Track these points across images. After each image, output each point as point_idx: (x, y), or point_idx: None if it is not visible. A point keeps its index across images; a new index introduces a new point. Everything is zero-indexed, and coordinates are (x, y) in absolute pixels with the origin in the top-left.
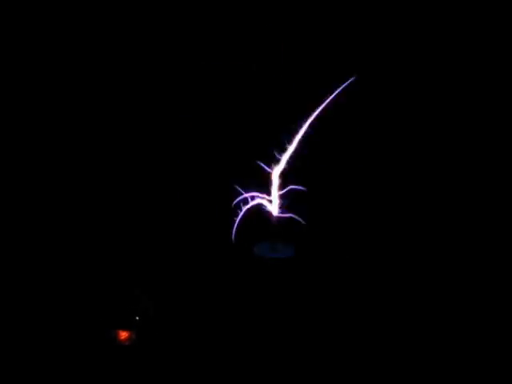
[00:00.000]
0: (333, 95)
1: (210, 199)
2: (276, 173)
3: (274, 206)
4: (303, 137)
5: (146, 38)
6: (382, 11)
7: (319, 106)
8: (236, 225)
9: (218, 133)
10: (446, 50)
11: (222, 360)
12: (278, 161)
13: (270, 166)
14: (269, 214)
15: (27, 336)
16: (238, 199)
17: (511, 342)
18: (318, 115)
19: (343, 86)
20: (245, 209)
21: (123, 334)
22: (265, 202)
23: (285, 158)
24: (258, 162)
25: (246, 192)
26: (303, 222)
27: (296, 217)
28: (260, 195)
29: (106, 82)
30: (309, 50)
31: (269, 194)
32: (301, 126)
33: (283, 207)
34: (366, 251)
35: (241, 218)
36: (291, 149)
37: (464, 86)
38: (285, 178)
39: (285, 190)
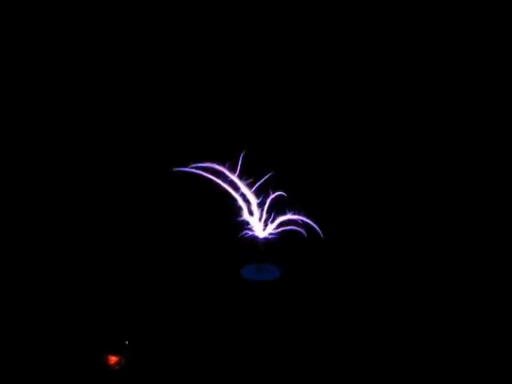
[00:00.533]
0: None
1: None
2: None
3: (258, 228)
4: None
5: (139, 40)
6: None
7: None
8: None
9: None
10: (436, 53)
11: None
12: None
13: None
14: (255, 236)
15: (16, 358)
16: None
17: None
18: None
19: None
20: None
21: (113, 359)
22: (251, 223)
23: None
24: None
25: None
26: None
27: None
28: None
29: (101, 82)
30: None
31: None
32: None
33: (269, 228)
34: (352, 270)
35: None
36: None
37: (459, 89)
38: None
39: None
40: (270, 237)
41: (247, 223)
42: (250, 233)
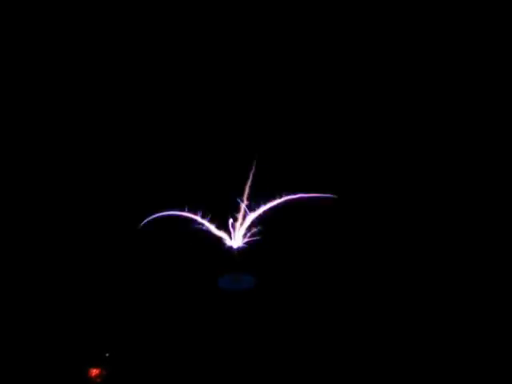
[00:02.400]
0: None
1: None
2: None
3: (234, 239)
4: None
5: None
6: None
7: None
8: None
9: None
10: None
11: None
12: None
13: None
14: (230, 247)
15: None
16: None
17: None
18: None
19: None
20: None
21: (94, 371)
22: (226, 235)
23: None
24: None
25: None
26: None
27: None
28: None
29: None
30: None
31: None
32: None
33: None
34: (328, 280)
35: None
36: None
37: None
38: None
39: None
40: (244, 246)
41: (223, 234)
42: (226, 243)
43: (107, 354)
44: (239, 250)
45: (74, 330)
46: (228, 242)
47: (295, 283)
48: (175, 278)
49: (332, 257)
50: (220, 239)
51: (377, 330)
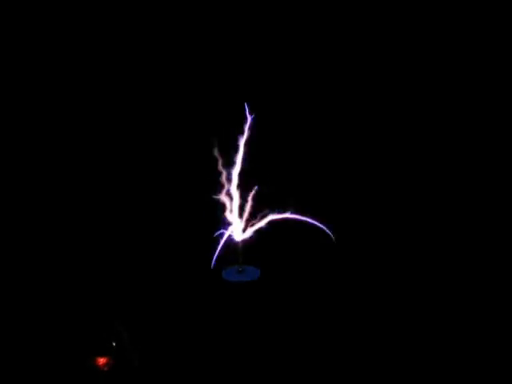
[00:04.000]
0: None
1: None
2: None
3: (237, 230)
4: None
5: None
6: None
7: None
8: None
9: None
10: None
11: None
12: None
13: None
14: (233, 238)
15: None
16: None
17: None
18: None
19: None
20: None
21: (101, 360)
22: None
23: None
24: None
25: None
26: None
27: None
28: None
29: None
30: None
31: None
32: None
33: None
34: (333, 272)
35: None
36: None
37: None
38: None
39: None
40: (249, 237)
41: (226, 223)
42: (229, 233)
43: (114, 344)
44: (243, 241)
45: (81, 320)
46: (231, 232)
47: (302, 274)
48: (178, 270)
49: (341, 247)
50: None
51: (385, 323)
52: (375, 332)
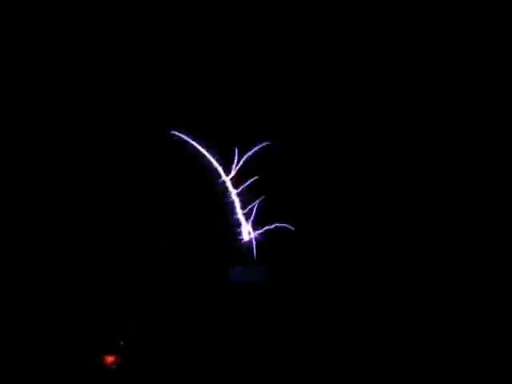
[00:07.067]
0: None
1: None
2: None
3: (243, 229)
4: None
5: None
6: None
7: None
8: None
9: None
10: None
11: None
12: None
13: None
14: (239, 238)
15: (9, 360)
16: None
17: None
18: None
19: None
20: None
21: (109, 359)
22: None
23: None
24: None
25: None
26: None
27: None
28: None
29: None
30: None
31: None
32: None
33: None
34: (341, 273)
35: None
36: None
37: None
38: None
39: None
40: (256, 237)
41: (233, 223)
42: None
43: (122, 342)
44: (251, 240)
45: (88, 318)
46: (240, 231)
47: (312, 275)
48: (185, 271)
49: (352, 246)
50: (231, 229)
51: (399, 322)
52: (384, 334)
